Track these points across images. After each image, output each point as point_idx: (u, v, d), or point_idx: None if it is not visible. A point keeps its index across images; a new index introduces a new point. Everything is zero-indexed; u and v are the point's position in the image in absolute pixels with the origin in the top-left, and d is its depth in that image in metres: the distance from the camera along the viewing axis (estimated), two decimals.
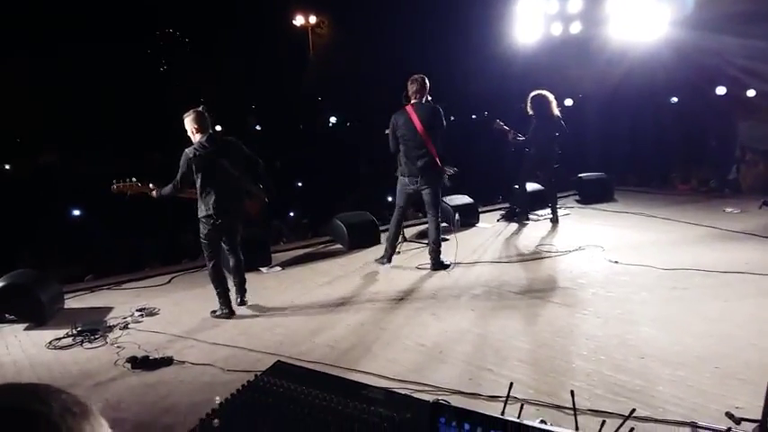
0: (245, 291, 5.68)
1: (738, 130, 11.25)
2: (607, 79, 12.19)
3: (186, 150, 5.23)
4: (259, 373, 2.67)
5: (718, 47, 10.13)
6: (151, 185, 5.40)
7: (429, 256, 6.60)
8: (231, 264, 5.66)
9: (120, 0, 20.52)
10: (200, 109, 5.30)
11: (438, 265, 6.52)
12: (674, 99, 14.10)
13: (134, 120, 19.95)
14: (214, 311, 5.54)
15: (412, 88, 6.19)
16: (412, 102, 6.20)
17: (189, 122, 5.24)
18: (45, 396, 0.77)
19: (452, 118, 7.02)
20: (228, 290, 5.53)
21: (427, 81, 6.22)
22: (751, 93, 11.63)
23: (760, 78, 10.84)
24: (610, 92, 12.74)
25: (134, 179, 5.38)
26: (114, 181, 5.38)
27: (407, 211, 7.50)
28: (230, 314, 5.47)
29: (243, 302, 5.64)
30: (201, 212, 5.30)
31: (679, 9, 9.27)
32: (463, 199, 8.74)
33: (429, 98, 6.28)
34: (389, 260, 6.82)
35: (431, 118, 6.16)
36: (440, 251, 6.56)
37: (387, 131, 6.35)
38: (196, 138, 5.24)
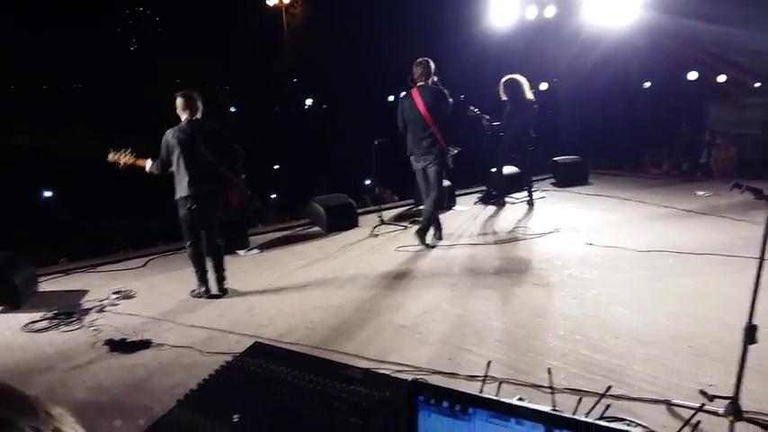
0: (224, 278, 5.60)
1: (709, 115, 11.46)
2: (581, 63, 12.28)
3: (166, 132, 5.23)
4: (237, 354, 2.66)
5: (690, 32, 10.27)
6: (148, 161, 5.34)
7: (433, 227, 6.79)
8: (210, 252, 5.54)
9: None
10: (189, 92, 5.30)
11: (422, 232, 6.69)
12: (647, 84, 14.30)
13: (107, 101, 19.55)
14: (193, 290, 5.52)
15: (417, 71, 6.33)
16: (418, 84, 6.33)
17: (178, 103, 5.26)
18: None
19: None
20: (207, 270, 5.50)
21: (432, 64, 6.34)
22: (722, 78, 11.84)
23: (731, 64, 11.05)
24: (584, 76, 12.85)
25: (128, 150, 5.35)
26: (110, 150, 5.36)
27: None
28: (208, 293, 5.47)
29: (222, 291, 5.55)
30: (177, 194, 5.29)
31: None
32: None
33: (435, 79, 6.38)
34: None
35: (435, 100, 6.29)
36: (429, 225, 6.73)
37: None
38: (183, 117, 5.25)
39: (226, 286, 5.59)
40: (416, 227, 6.92)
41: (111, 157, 5.37)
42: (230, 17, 23.29)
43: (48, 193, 12.32)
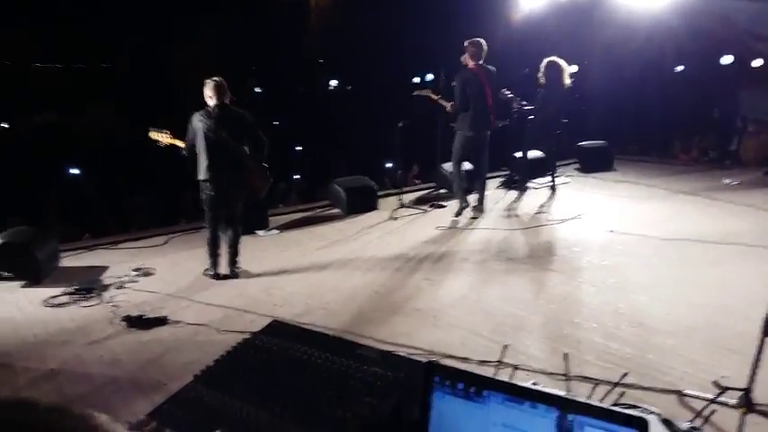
0: (236, 262, 5.61)
1: (741, 100, 11.12)
2: (613, 46, 12.00)
3: (193, 114, 5.31)
4: (255, 332, 2.67)
5: (726, 13, 9.95)
6: (181, 142, 5.44)
7: (478, 196, 7.28)
8: (227, 234, 5.57)
9: None
10: (218, 79, 5.34)
11: (483, 206, 7.27)
12: (680, 67, 13.92)
13: (135, 81, 19.73)
14: (206, 269, 5.59)
15: (473, 50, 6.80)
16: (477, 63, 6.82)
17: (206, 89, 5.31)
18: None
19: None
20: (219, 255, 5.55)
21: (485, 45, 6.83)
22: (758, 62, 11.47)
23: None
24: (616, 59, 12.57)
25: (166, 132, 5.49)
26: (151, 128, 5.51)
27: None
28: (217, 276, 5.52)
29: (234, 274, 5.56)
30: (198, 176, 5.35)
31: None
32: (463, 165, 8.66)
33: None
34: (467, 203, 7.31)
35: (492, 78, 6.95)
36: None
37: (453, 86, 6.98)
38: (210, 102, 5.30)
39: (237, 270, 5.58)
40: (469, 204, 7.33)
41: (153, 134, 5.51)
42: None
43: (74, 171, 12.52)
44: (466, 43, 6.89)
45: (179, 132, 5.49)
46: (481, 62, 6.86)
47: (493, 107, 6.98)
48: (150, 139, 5.54)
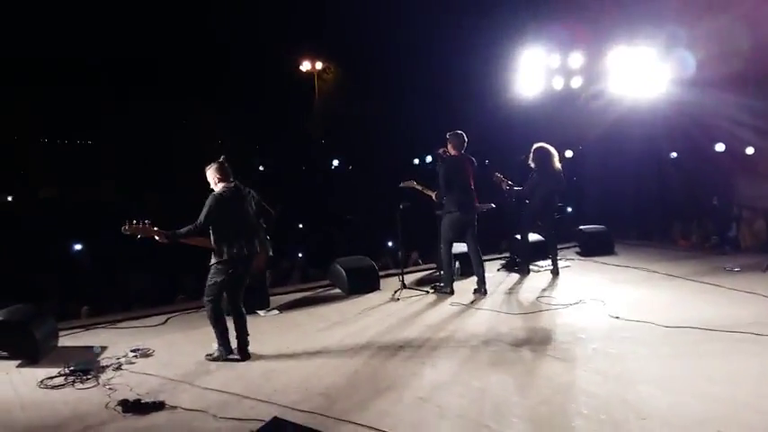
0: (248, 344, 5.51)
1: (737, 188, 11.34)
2: (607, 133, 12.35)
3: (215, 192, 5.30)
4: (254, 431, 2.61)
5: (717, 104, 10.31)
6: (165, 232, 5.23)
7: (477, 279, 7.51)
8: (234, 319, 5.49)
9: (119, 36, 20.94)
10: (222, 160, 5.41)
11: (484, 288, 7.48)
12: (674, 154, 14.26)
13: (136, 158, 20.14)
14: (210, 354, 5.47)
15: (455, 141, 7.38)
16: (460, 152, 7.38)
17: (212, 172, 5.36)
18: None
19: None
20: (228, 330, 5.47)
21: (465, 136, 7.42)
22: (750, 150, 11.77)
23: (759, 136, 10.99)
24: (610, 144, 12.89)
25: (147, 221, 5.22)
26: (127, 221, 5.19)
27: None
28: (229, 355, 5.40)
29: (247, 357, 5.46)
30: (216, 258, 5.28)
31: (680, 68, 9.46)
32: (464, 247, 8.71)
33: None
34: (453, 290, 7.56)
35: (473, 166, 7.48)
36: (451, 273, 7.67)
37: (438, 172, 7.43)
38: (219, 186, 5.33)
39: (248, 354, 5.49)
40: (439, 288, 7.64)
41: (128, 228, 5.16)
42: (265, 81, 24.06)
43: (76, 246, 12.55)
44: (448, 135, 7.43)
45: (163, 222, 5.30)
46: (462, 152, 7.39)
47: (475, 192, 7.45)
48: (126, 233, 5.20)
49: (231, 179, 5.38)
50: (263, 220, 5.59)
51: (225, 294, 5.49)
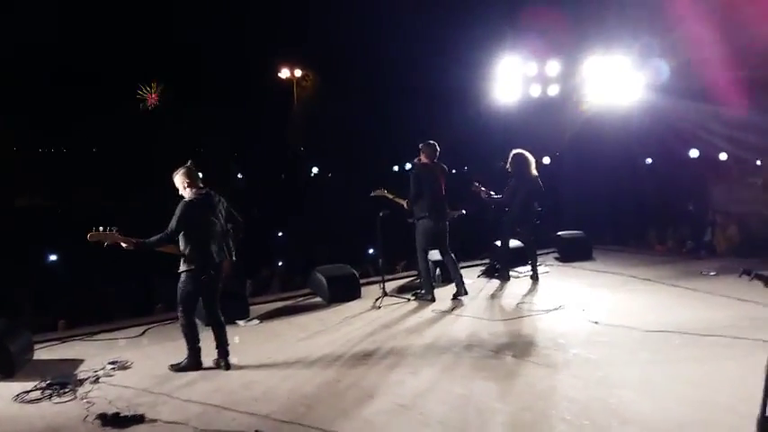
0: (228, 353, 5.46)
1: (711, 193, 11.54)
2: (584, 139, 12.50)
3: (185, 199, 5.22)
4: None
5: (691, 111, 10.50)
6: (133, 240, 5.13)
7: (455, 283, 7.55)
8: (213, 329, 5.46)
9: (104, 48, 20.81)
10: (189, 165, 5.36)
11: (463, 288, 7.52)
12: (649, 160, 14.48)
13: (119, 165, 19.90)
14: (175, 365, 5.39)
15: (428, 150, 7.45)
16: (432, 161, 7.45)
17: (180, 178, 5.29)
18: None
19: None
20: (200, 348, 5.40)
21: (437, 145, 7.50)
22: (723, 156, 12.00)
23: (732, 143, 11.22)
24: (586, 151, 13.04)
25: (113, 229, 5.10)
26: (93, 228, 5.06)
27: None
28: (199, 366, 5.34)
29: (228, 367, 5.39)
30: (185, 266, 5.23)
31: (654, 76, 9.63)
32: (431, 256, 8.73)
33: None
34: (434, 297, 7.54)
35: (444, 174, 7.56)
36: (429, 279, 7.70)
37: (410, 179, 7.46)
38: (187, 192, 5.26)
39: (231, 362, 5.43)
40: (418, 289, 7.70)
41: (93, 235, 5.03)
42: (244, 88, 23.98)
43: (52, 257, 12.32)
44: (421, 145, 7.51)
45: (134, 228, 5.24)
46: (435, 160, 7.47)
47: (446, 199, 7.52)
48: (91, 241, 5.05)
49: (200, 184, 5.32)
50: (231, 227, 5.53)
51: (201, 303, 5.42)
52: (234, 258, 5.55)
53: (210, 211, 5.30)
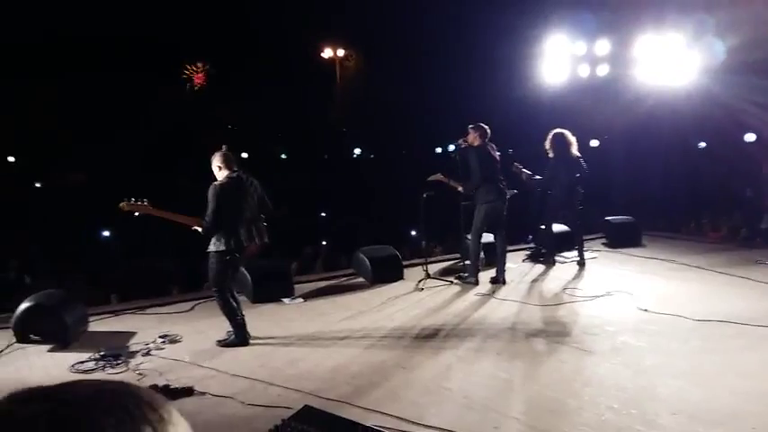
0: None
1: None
2: (634, 121, 12.16)
3: (214, 183, 5.31)
4: (286, 418, 2.63)
5: (747, 92, 10.08)
6: (180, 218, 5.36)
7: (497, 268, 7.49)
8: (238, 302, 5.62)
9: (148, 31, 21.16)
10: (225, 149, 5.50)
11: (503, 277, 7.47)
12: (702, 144, 14.02)
13: (164, 146, 20.34)
14: (221, 340, 5.53)
15: (480, 132, 7.32)
16: (484, 142, 7.32)
17: (216, 161, 5.41)
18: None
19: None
20: (244, 322, 5.51)
21: (487, 128, 7.40)
22: None
23: None
24: (637, 134, 12.70)
25: (146, 200, 5.28)
26: (125, 199, 5.28)
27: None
28: (243, 342, 5.46)
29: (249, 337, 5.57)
30: (213, 246, 5.29)
31: (709, 56, 9.25)
32: (488, 237, 8.67)
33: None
34: (478, 280, 7.48)
35: (497, 154, 7.42)
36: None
37: (470, 163, 7.31)
38: (221, 174, 5.37)
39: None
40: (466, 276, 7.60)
41: (126, 205, 5.25)
42: (287, 68, 24.09)
43: (105, 233, 12.70)
44: (471, 126, 7.38)
45: (162, 201, 5.39)
46: (487, 141, 7.35)
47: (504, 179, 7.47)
48: (123, 210, 5.29)
49: (234, 168, 5.41)
50: (264, 213, 5.64)
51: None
52: (266, 241, 5.65)
53: (241, 194, 5.37)
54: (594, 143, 13.84)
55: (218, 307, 5.48)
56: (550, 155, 8.11)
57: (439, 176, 7.67)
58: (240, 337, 5.49)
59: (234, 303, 5.49)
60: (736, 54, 9.14)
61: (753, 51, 8.99)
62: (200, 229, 5.30)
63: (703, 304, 6.22)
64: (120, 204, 5.28)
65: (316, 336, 5.76)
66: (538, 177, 8.18)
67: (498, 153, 7.46)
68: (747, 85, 9.82)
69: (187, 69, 28.06)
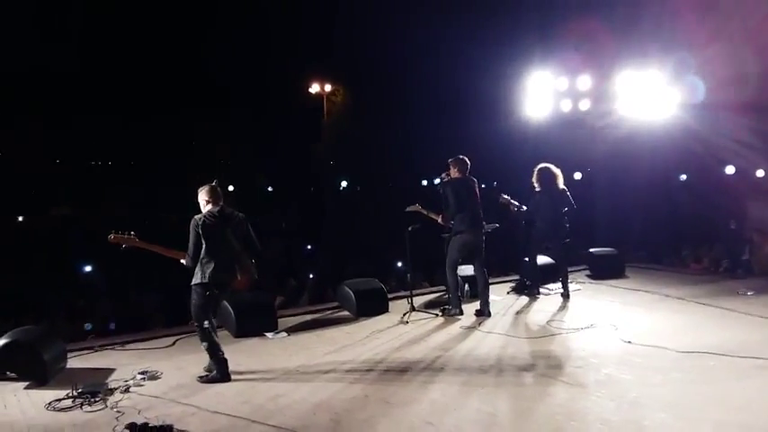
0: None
1: (749, 211, 11.26)
2: (616, 155, 12.34)
3: (195, 217, 5.40)
4: None
5: (727, 127, 10.30)
6: (154, 245, 5.47)
7: (480, 301, 7.50)
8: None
9: (131, 68, 21.36)
10: (214, 184, 5.55)
11: (487, 309, 7.46)
12: (683, 177, 14.23)
13: (151, 180, 20.32)
14: (203, 376, 5.47)
15: (459, 165, 7.46)
16: (465, 175, 7.46)
17: (203, 194, 5.49)
18: None
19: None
20: (225, 358, 5.45)
21: (468, 160, 7.52)
22: (760, 173, 11.73)
23: None
24: (619, 167, 12.88)
25: (133, 233, 5.45)
26: (112, 231, 5.43)
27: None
28: (225, 378, 5.39)
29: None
30: (196, 279, 5.35)
31: (689, 93, 9.46)
32: (472, 270, 8.67)
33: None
34: (461, 311, 7.54)
35: (477, 186, 7.53)
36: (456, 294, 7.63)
37: (446, 195, 7.42)
38: (206, 208, 5.44)
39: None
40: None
41: (113, 237, 5.42)
42: (274, 103, 24.31)
43: (87, 267, 12.55)
44: (450, 160, 7.50)
45: (148, 234, 5.53)
46: (467, 174, 7.47)
47: (481, 212, 7.50)
48: (110, 242, 5.44)
49: (220, 203, 5.47)
50: (249, 249, 5.64)
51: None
52: (255, 276, 5.65)
53: (221, 229, 5.39)
54: (578, 176, 13.99)
55: (200, 341, 5.43)
56: (537, 188, 8.20)
57: (417, 207, 7.76)
58: (221, 373, 5.41)
59: (216, 338, 5.43)
60: (716, 91, 9.37)
61: (731, 89, 9.23)
62: (186, 263, 5.40)
63: (686, 336, 6.24)
64: (108, 236, 5.42)
65: (299, 370, 5.69)
66: (524, 208, 8.27)
67: (482, 186, 7.52)
68: (726, 119, 10.05)
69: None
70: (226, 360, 5.45)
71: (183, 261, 5.43)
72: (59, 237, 15.40)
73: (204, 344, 5.39)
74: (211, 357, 5.42)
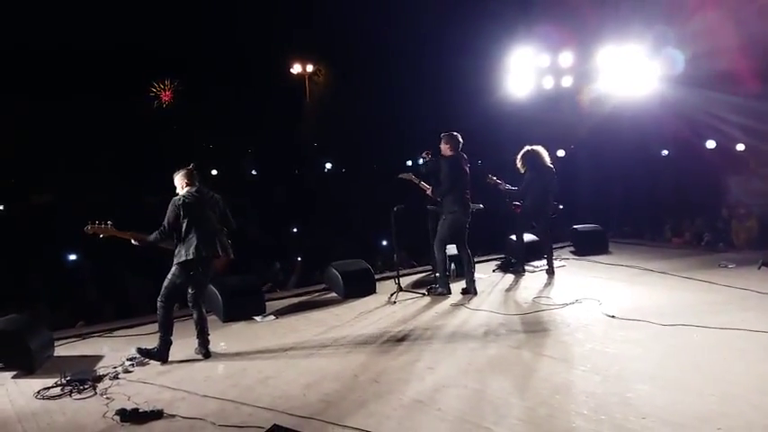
0: (208, 342, 5.66)
1: (729, 184, 11.41)
2: (598, 131, 12.40)
3: (174, 197, 5.50)
4: None
5: (707, 102, 10.37)
6: (129, 233, 5.53)
7: (466, 279, 7.54)
8: (194, 318, 5.64)
9: (117, 48, 21.00)
10: (191, 167, 5.65)
11: (473, 287, 7.48)
12: (665, 152, 14.33)
13: (133, 164, 20.08)
14: (143, 349, 5.55)
15: (452, 142, 7.31)
16: (457, 152, 7.31)
17: (179, 178, 5.60)
18: None
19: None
20: (171, 342, 5.55)
21: (460, 136, 7.40)
22: (740, 147, 11.84)
23: (748, 133, 11.07)
24: (601, 143, 12.94)
25: (110, 223, 5.51)
26: (89, 222, 5.48)
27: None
28: (163, 360, 5.49)
29: (207, 355, 5.62)
30: (180, 258, 5.44)
31: (669, 66, 9.52)
32: (453, 249, 8.72)
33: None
34: (449, 290, 7.56)
35: (468, 165, 7.41)
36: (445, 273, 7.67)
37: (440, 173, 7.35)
38: (185, 189, 5.55)
39: (210, 351, 5.65)
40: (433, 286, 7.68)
41: (90, 228, 5.47)
42: (256, 84, 24.05)
43: (72, 256, 12.42)
44: (443, 135, 7.37)
45: (127, 224, 5.58)
46: (460, 151, 7.35)
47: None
48: (88, 234, 5.51)
49: (196, 183, 5.57)
50: (225, 228, 5.75)
51: (188, 294, 5.59)
52: (231, 256, 5.72)
53: (200, 207, 5.49)
54: (561, 153, 14.05)
55: (158, 317, 5.52)
56: (522, 171, 8.25)
57: (410, 176, 7.74)
58: (161, 354, 5.51)
59: (170, 320, 5.53)
60: (696, 64, 9.42)
61: (711, 62, 9.27)
62: (150, 239, 5.47)
63: (668, 309, 6.36)
64: (85, 228, 5.48)
65: (288, 353, 5.72)
66: (512, 188, 8.30)
67: (468, 165, 7.47)
68: (707, 94, 10.12)
69: (154, 87, 27.83)
70: (170, 342, 5.55)
71: (149, 238, 5.48)
72: (42, 224, 15.22)
73: (161, 320, 5.49)
74: (162, 336, 5.52)
